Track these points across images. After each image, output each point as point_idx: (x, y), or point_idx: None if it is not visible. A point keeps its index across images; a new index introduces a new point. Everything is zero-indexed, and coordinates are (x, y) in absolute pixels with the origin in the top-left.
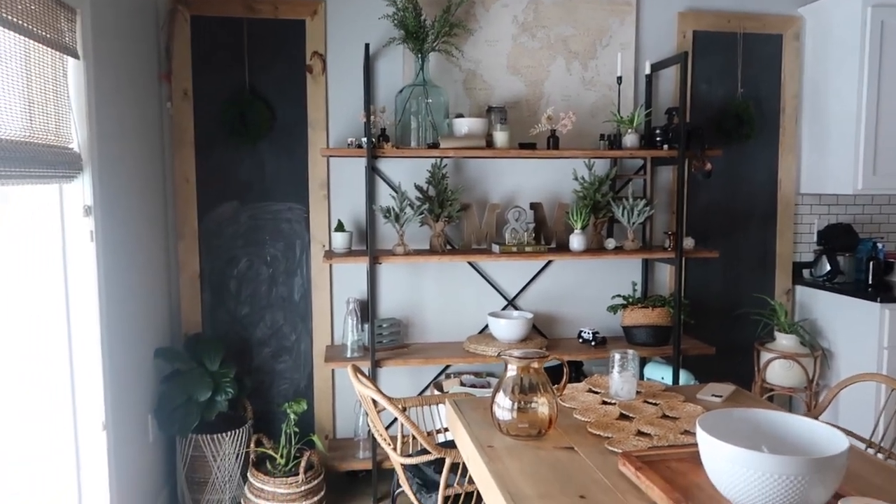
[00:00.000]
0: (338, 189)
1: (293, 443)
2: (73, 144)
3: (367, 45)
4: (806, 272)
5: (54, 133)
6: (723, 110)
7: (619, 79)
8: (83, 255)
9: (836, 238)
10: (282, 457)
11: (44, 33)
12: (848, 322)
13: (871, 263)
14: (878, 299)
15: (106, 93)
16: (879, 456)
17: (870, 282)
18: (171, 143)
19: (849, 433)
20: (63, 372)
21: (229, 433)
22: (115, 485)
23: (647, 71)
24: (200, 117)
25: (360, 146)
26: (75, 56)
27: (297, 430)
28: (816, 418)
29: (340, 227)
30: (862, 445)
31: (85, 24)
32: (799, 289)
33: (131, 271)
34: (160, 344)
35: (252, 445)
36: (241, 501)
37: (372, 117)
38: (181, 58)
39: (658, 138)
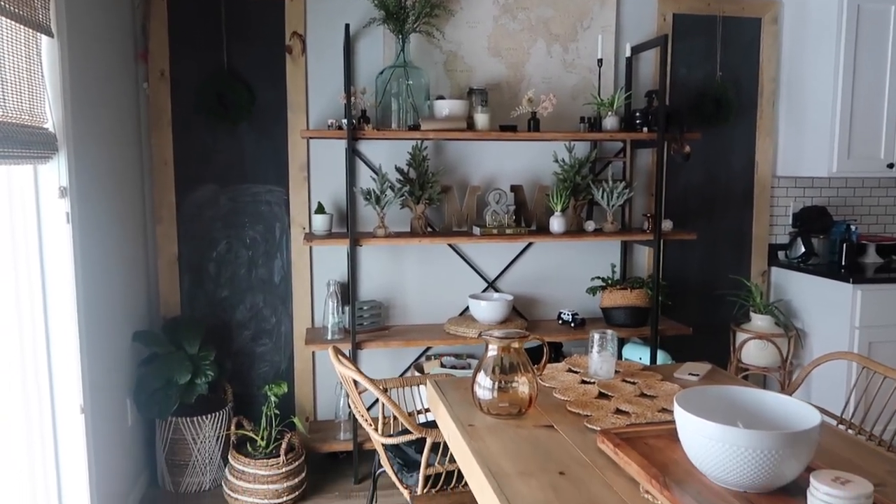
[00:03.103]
0: (318, 171)
1: (274, 425)
2: (47, 124)
3: (347, 26)
4: (781, 254)
5: (28, 112)
6: (702, 93)
7: (600, 61)
8: (59, 238)
9: (811, 220)
10: (262, 439)
11: (16, 9)
12: (821, 302)
13: (845, 245)
14: (851, 280)
15: (81, 72)
16: (850, 432)
17: (843, 263)
18: (148, 124)
19: (821, 410)
20: (40, 355)
21: (209, 416)
22: (94, 468)
23: (628, 54)
24: (178, 98)
25: (340, 128)
26: (49, 34)
27: (277, 412)
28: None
29: (321, 210)
30: (833, 422)
31: (59, 1)
32: (774, 270)
33: (108, 254)
34: (138, 327)
35: (232, 428)
36: (222, 483)
37: (352, 99)
38: (158, 37)
39: (638, 121)
